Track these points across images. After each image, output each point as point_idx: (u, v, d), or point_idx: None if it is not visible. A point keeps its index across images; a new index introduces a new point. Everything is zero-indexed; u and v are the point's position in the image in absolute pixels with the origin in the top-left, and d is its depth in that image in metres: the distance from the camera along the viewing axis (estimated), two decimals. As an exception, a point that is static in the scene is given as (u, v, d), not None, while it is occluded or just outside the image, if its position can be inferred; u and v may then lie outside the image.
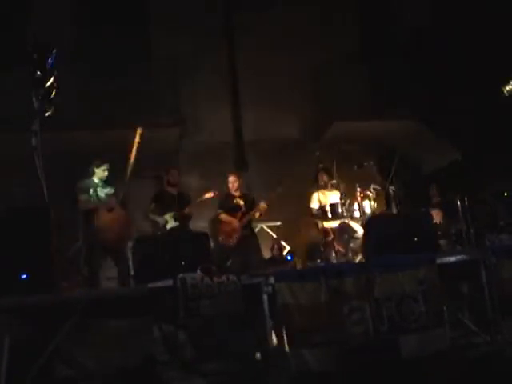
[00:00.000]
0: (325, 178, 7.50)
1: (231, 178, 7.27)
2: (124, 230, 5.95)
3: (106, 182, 6.10)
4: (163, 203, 6.73)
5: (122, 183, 5.96)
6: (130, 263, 5.62)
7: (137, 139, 5.85)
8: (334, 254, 6.98)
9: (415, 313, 4.13)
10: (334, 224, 7.17)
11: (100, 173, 6.09)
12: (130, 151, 5.83)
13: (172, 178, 6.93)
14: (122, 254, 5.91)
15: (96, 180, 6.08)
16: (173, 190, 6.90)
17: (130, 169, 5.84)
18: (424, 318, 4.14)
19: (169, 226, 6.57)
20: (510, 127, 7.86)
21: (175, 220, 6.59)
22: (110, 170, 6.13)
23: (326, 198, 7.37)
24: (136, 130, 5.89)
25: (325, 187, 7.51)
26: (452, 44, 8.81)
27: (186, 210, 6.80)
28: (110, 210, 5.89)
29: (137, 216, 6.75)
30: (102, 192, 6.02)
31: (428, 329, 4.14)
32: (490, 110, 8.16)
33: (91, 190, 5.97)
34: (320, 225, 7.12)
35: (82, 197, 5.95)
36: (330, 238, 7.12)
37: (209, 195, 7.09)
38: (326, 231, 7.12)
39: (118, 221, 5.89)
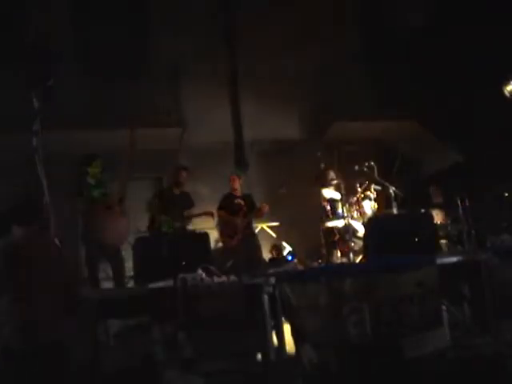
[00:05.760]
0: (331, 175, 7.49)
1: (232, 179, 7.27)
2: (121, 228, 5.90)
3: (99, 182, 6.04)
4: (165, 202, 6.71)
5: (120, 183, 5.94)
6: (131, 263, 5.61)
7: (131, 139, 5.84)
8: (339, 254, 6.98)
9: (415, 313, 4.12)
10: (338, 224, 7.16)
11: (93, 170, 6.01)
12: (127, 152, 5.83)
13: (182, 179, 6.89)
14: (116, 253, 5.88)
15: (90, 180, 6.01)
16: (177, 191, 6.90)
17: (127, 169, 5.84)
18: (424, 318, 4.13)
19: (163, 229, 6.53)
20: (510, 127, 7.85)
21: (169, 227, 6.55)
22: (106, 169, 6.07)
23: (329, 196, 7.38)
24: (130, 130, 5.90)
25: (330, 185, 7.50)
26: (452, 44, 8.80)
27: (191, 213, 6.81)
28: (109, 207, 5.84)
29: (135, 217, 6.73)
30: (96, 192, 5.95)
31: (428, 329, 4.13)
32: (491, 111, 8.14)
33: (85, 192, 5.93)
34: (324, 224, 7.12)
35: (77, 198, 5.91)
36: (336, 239, 7.12)
37: (206, 215, 7.03)
38: (331, 231, 7.12)
39: (116, 219, 5.85)
